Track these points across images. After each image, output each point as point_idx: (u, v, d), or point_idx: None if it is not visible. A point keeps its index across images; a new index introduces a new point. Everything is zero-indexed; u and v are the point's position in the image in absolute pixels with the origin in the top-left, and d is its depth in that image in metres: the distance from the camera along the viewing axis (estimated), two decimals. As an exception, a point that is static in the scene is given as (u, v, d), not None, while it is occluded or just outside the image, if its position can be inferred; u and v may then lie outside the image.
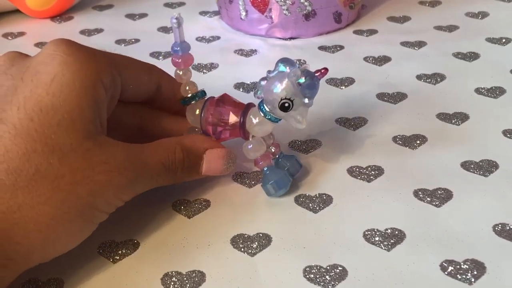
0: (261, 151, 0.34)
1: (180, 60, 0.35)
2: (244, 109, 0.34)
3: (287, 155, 0.36)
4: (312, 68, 0.33)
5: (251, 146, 0.34)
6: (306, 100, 0.32)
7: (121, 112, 0.35)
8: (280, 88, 0.32)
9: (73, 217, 0.28)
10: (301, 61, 0.50)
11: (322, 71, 0.32)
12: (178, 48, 0.34)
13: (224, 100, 0.35)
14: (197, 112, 0.35)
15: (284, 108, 0.32)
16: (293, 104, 0.32)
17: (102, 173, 0.29)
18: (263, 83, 0.33)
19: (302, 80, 0.31)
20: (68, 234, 0.29)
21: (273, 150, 0.36)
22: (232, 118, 0.34)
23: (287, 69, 0.32)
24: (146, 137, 0.35)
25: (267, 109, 0.33)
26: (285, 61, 0.33)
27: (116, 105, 0.34)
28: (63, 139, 0.28)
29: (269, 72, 0.33)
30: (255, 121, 0.33)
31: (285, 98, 0.32)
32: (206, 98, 0.36)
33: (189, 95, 0.35)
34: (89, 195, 0.29)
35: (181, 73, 0.35)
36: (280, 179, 0.35)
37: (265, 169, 0.35)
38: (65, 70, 0.29)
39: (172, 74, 0.36)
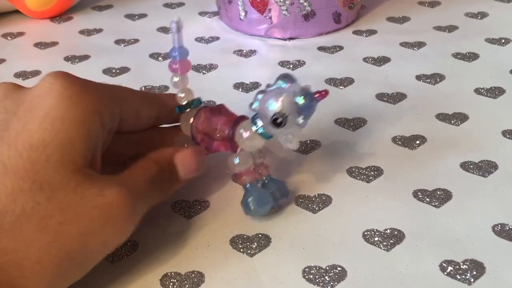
0: (246, 166, 0.33)
1: (177, 66, 0.34)
2: (235, 121, 0.33)
3: (275, 179, 0.35)
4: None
5: (237, 159, 0.33)
6: (300, 120, 0.30)
7: (118, 141, 0.33)
8: (275, 104, 0.30)
9: (60, 262, 0.27)
10: (301, 61, 0.50)
11: (323, 93, 0.31)
12: (176, 53, 0.34)
13: (219, 110, 0.34)
14: (191, 120, 0.34)
15: (275, 123, 0.30)
16: (286, 122, 0.30)
17: (96, 207, 0.27)
18: (260, 96, 0.32)
19: (300, 99, 0.30)
20: (55, 280, 0.27)
21: (260, 171, 0.34)
22: (222, 129, 0.33)
23: (287, 86, 0.31)
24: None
25: (259, 124, 0.32)
26: (285, 77, 0.31)
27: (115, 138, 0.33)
28: (52, 176, 0.27)
29: (268, 86, 0.32)
30: (245, 134, 0.32)
31: (279, 114, 0.30)
32: (200, 107, 0.35)
33: (184, 103, 0.35)
34: (81, 234, 0.27)
35: (177, 79, 0.34)
36: (262, 196, 0.33)
37: (247, 185, 0.33)
38: (60, 104, 0.28)
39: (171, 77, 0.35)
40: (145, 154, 0.32)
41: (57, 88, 0.29)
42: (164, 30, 0.56)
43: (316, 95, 0.31)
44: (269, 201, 0.33)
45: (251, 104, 0.32)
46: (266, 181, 0.34)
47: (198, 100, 0.35)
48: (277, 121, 0.30)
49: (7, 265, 0.26)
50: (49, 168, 0.27)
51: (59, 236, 0.26)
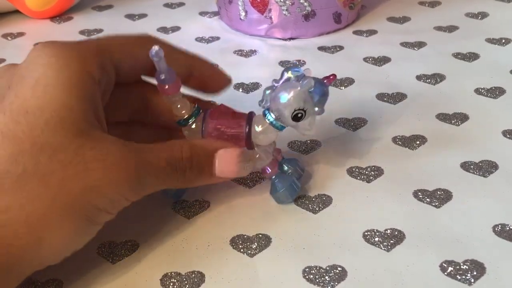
0: (268, 160, 0.34)
1: (167, 87, 0.32)
2: (247, 119, 0.33)
3: (288, 158, 0.36)
4: (315, 71, 0.32)
5: (258, 156, 0.33)
6: (317, 108, 0.31)
7: (124, 92, 0.33)
8: (287, 98, 0.31)
9: (65, 216, 0.27)
10: (301, 61, 0.50)
11: (331, 77, 0.32)
12: (164, 77, 0.32)
13: (222, 111, 0.34)
14: (194, 126, 0.33)
15: (297, 118, 0.31)
16: (306, 114, 0.31)
17: (98, 168, 0.28)
18: (269, 92, 0.32)
19: (312, 88, 0.31)
20: (63, 234, 0.27)
21: (276, 156, 0.35)
22: (234, 129, 0.33)
23: (293, 77, 0.32)
24: (152, 116, 0.34)
25: (273, 117, 0.32)
26: (290, 69, 0.32)
27: (119, 87, 0.33)
28: (52, 138, 0.27)
29: (275, 81, 0.32)
30: (258, 129, 0.33)
31: (299, 109, 0.31)
32: (202, 114, 0.34)
33: (185, 116, 0.33)
34: (84, 191, 0.27)
35: (170, 96, 0.33)
36: (290, 186, 0.34)
37: (273, 177, 0.34)
38: (49, 71, 0.29)
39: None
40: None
41: (44, 56, 0.29)
42: (164, 30, 0.56)
43: (325, 81, 0.32)
44: (296, 188, 0.35)
45: (261, 101, 0.33)
46: (283, 164, 0.35)
47: (198, 109, 0.34)
48: (298, 115, 0.31)
49: (11, 222, 0.26)
50: (48, 131, 0.27)
51: (62, 192, 0.27)
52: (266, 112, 0.32)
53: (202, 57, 0.35)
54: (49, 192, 0.27)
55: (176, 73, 0.32)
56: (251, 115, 0.33)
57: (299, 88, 0.31)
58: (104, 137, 0.29)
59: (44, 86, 0.28)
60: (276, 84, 0.32)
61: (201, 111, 0.34)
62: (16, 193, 0.27)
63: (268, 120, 0.32)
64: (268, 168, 0.34)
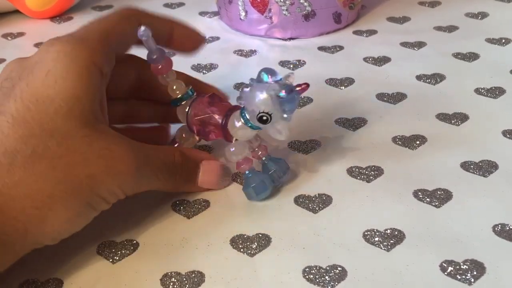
0: (243, 155, 0.34)
1: (160, 67, 0.35)
2: (227, 111, 0.34)
3: (275, 158, 0.36)
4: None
5: (233, 149, 0.34)
6: (285, 115, 0.31)
7: (121, 68, 0.35)
8: (258, 100, 0.31)
9: (70, 198, 0.29)
10: (301, 61, 0.50)
11: (303, 86, 0.32)
12: (154, 56, 0.34)
13: (212, 100, 0.35)
14: (187, 109, 0.35)
15: (262, 121, 0.32)
16: (271, 118, 0.31)
17: (102, 158, 0.29)
18: (246, 90, 0.32)
19: (282, 94, 0.31)
20: (65, 215, 0.29)
21: (259, 153, 0.35)
22: (216, 119, 0.34)
23: (270, 80, 0.32)
24: (148, 92, 0.37)
25: (248, 117, 0.33)
26: (268, 71, 0.32)
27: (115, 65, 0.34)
28: (61, 125, 0.29)
29: (252, 80, 0.32)
30: (237, 124, 0.33)
31: (263, 112, 0.31)
32: (194, 97, 0.36)
33: (178, 96, 0.35)
34: (88, 178, 0.29)
35: (165, 78, 0.35)
36: (260, 183, 0.34)
37: (246, 172, 0.34)
38: (58, 65, 0.30)
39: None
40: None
41: (53, 51, 0.31)
42: (164, 30, 0.56)
43: (297, 89, 0.32)
44: (267, 187, 0.34)
45: (239, 98, 0.33)
46: (266, 162, 0.35)
47: (191, 91, 0.36)
48: (263, 118, 0.31)
49: (20, 196, 0.28)
50: (58, 119, 0.29)
51: (68, 176, 0.29)
52: (243, 111, 0.33)
53: (178, 19, 0.37)
54: (56, 174, 0.28)
55: (164, 52, 0.34)
56: (233, 108, 0.34)
57: (265, 92, 0.31)
58: (108, 131, 0.31)
59: (54, 78, 0.30)
60: (252, 84, 0.32)
61: (194, 94, 0.36)
62: (26, 171, 0.28)
63: (243, 119, 0.33)
64: (242, 163, 0.34)
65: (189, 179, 0.35)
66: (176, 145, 0.37)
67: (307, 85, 0.32)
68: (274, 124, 0.32)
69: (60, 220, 0.29)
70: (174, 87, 0.35)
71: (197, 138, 0.37)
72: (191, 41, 0.38)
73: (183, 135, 0.37)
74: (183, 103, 0.36)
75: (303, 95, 0.34)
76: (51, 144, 0.29)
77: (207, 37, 0.55)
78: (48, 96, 0.29)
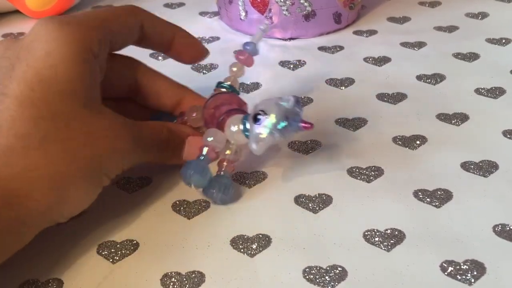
0: (215, 143, 0.34)
1: (243, 58, 0.38)
2: (230, 110, 0.35)
3: (228, 178, 0.34)
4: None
5: (212, 131, 0.34)
6: (277, 134, 0.32)
7: (121, 68, 0.36)
8: (276, 105, 0.32)
9: (82, 177, 0.30)
10: (301, 61, 0.50)
11: (308, 126, 0.32)
12: (249, 48, 0.38)
13: (231, 97, 0.36)
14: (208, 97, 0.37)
15: (255, 118, 0.32)
16: (263, 121, 0.32)
17: (104, 138, 0.31)
18: (248, 124, 0.33)
19: (291, 120, 0.32)
20: (79, 194, 0.30)
21: (224, 164, 0.34)
22: (216, 111, 0.35)
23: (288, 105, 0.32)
24: (141, 98, 0.37)
25: (247, 126, 0.33)
26: (295, 100, 0.32)
27: (116, 63, 0.35)
28: (65, 108, 0.30)
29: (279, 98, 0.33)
30: (233, 128, 0.34)
31: (262, 111, 0.32)
32: (225, 92, 0.37)
33: (224, 84, 0.37)
34: (95, 158, 0.30)
35: (235, 69, 0.38)
36: (201, 169, 0.34)
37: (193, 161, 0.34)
38: (58, 47, 0.30)
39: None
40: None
41: (49, 32, 0.31)
42: (164, 30, 0.56)
43: (302, 124, 0.32)
44: (206, 175, 0.34)
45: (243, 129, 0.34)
46: (220, 174, 0.34)
47: (235, 89, 0.38)
48: (257, 116, 0.32)
49: (40, 178, 0.29)
50: (62, 101, 0.30)
51: (78, 156, 0.30)
52: (246, 119, 0.33)
53: (182, 28, 0.38)
54: (69, 155, 0.30)
55: (257, 53, 0.38)
56: (238, 111, 0.35)
57: (280, 104, 0.32)
58: (106, 110, 0.32)
59: (54, 59, 0.30)
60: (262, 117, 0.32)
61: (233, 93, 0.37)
62: (41, 154, 0.29)
63: (242, 125, 0.33)
64: (201, 150, 0.34)
65: (175, 154, 0.36)
66: (185, 118, 0.38)
67: (312, 125, 0.32)
68: (259, 129, 0.32)
69: (74, 199, 0.30)
70: (232, 78, 0.38)
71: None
72: (191, 51, 0.38)
73: (194, 115, 0.37)
74: (222, 90, 0.37)
75: (303, 96, 0.34)
76: (61, 126, 0.29)
77: (207, 37, 0.55)
78: (50, 78, 0.30)
